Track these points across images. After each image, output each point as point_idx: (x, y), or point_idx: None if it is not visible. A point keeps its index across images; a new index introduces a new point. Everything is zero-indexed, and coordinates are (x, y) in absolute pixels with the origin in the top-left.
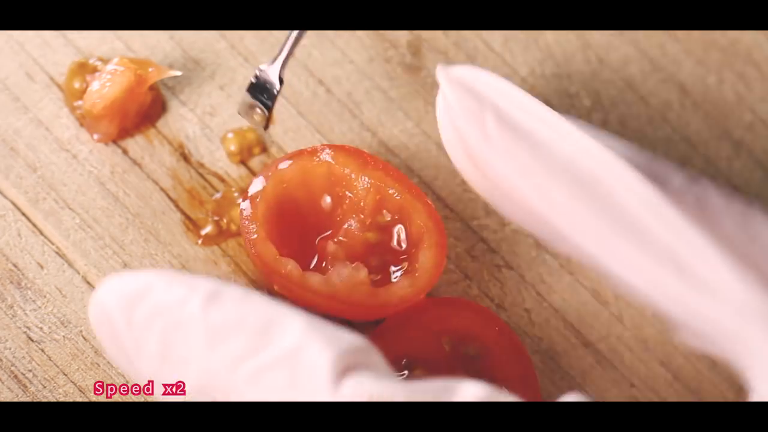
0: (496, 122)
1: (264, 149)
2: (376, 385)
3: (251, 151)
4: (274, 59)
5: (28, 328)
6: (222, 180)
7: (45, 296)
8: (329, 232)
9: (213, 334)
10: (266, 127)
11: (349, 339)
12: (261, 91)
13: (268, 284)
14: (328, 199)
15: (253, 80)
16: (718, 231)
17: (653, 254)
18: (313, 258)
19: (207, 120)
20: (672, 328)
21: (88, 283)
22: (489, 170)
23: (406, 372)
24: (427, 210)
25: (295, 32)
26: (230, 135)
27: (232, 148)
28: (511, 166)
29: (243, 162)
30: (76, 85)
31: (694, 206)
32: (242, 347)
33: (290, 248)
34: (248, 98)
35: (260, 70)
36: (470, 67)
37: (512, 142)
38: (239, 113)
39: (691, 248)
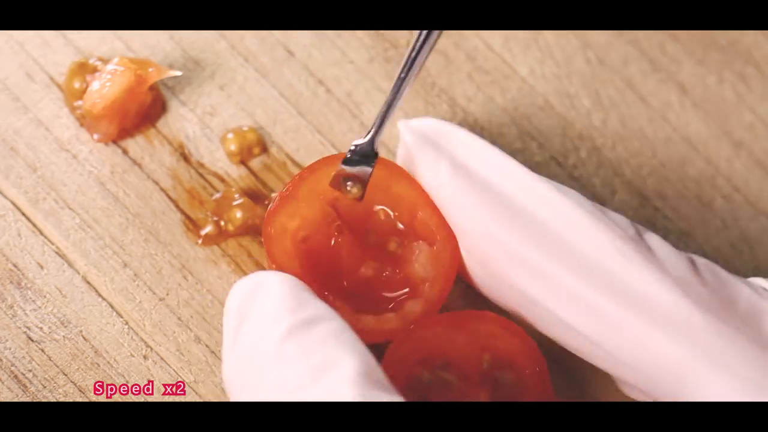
0: (450, 170)
1: (264, 149)
2: None
3: (251, 151)
4: (368, 132)
5: (28, 328)
6: (222, 180)
7: (45, 296)
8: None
9: (279, 359)
10: (361, 197)
11: (386, 398)
12: (356, 164)
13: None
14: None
15: (349, 155)
16: (668, 274)
17: (602, 292)
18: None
19: (207, 120)
20: (616, 379)
21: (88, 283)
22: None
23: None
24: (406, 180)
25: (386, 106)
26: (230, 135)
27: (232, 148)
28: (460, 212)
29: (243, 162)
30: (76, 85)
31: (643, 253)
32: (296, 380)
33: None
34: (343, 171)
35: (356, 146)
36: (431, 119)
37: (463, 188)
38: (331, 186)
39: (640, 284)
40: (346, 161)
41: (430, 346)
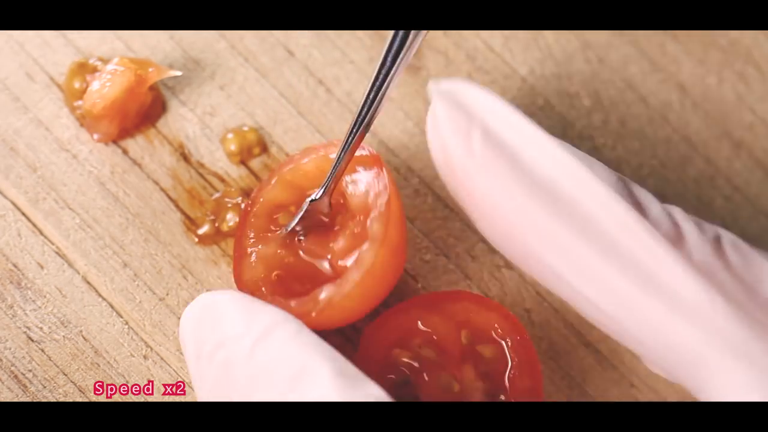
0: (482, 139)
1: (264, 149)
2: None
3: (251, 151)
4: (323, 189)
5: (28, 328)
6: (222, 180)
7: (45, 296)
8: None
9: (252, 378)
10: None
11: (370, 394)
12: (308, 219)
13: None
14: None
15: (303, 214)
16: (692, 258)
17: (627, 275)
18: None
19: (207, 120)
20: (639, 355)
21: (88, 283)
22: (470, 186)
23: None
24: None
25: (342, 162)
26: (230, 135)
27: (232, 148)
28: (491, 183)
29: (243, 162)
30: (76, 85)
31: (669, 235)
32: (273, 395)
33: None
34: (297, 227)
35: (311, 202)
36: (462, 81)
37: (495, 159)
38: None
39: (664, 269)
40: (303, 219)
41: (406, 327)
